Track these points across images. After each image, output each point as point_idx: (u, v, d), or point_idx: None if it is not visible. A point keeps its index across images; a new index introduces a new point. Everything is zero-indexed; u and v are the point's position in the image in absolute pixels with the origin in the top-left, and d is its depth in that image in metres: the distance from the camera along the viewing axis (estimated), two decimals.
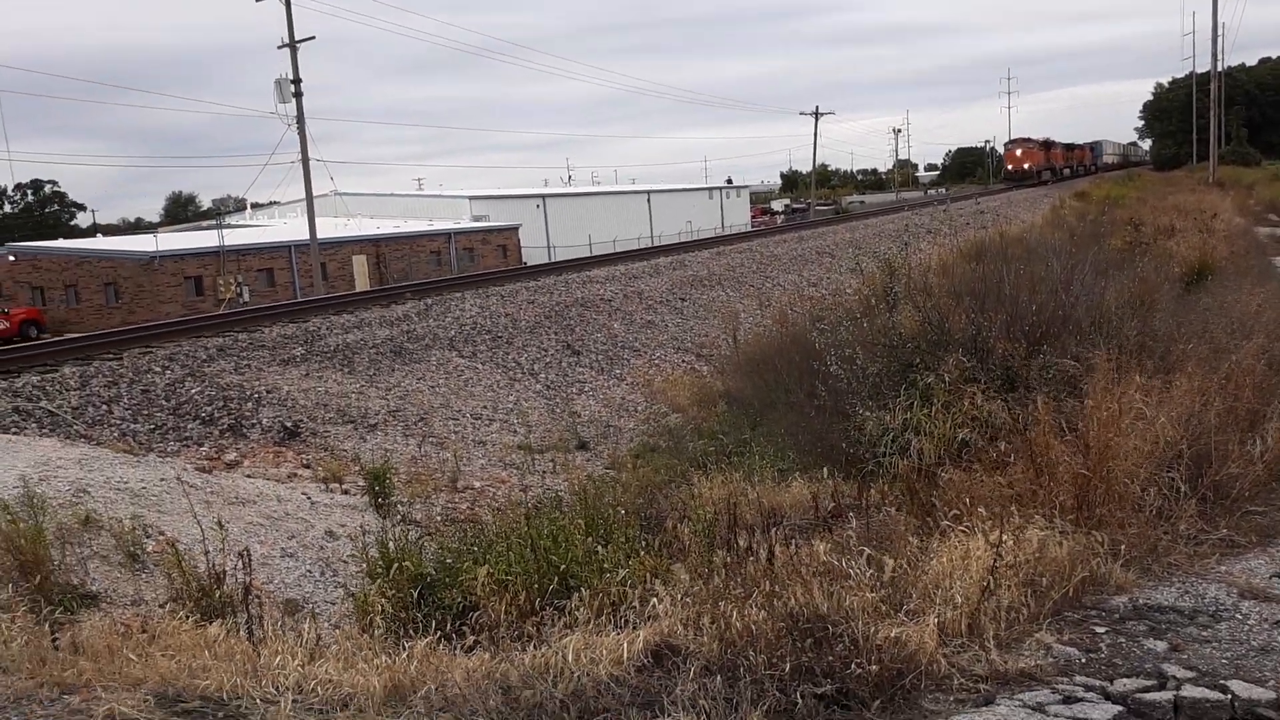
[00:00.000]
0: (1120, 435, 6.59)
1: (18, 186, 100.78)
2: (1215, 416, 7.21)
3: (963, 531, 5.83)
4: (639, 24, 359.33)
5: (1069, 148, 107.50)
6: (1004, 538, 5.42)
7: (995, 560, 5.24)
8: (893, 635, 4.63)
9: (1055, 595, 5.25)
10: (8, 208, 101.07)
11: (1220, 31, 63.64)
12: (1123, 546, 5.59)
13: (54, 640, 4.91)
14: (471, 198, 68.35)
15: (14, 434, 11.30)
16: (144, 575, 7.04)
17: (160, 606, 6.44)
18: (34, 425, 11.97)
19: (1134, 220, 24.88)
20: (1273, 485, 6.77)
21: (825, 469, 9.20)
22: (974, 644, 4.72)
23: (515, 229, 62.45)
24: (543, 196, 71.74)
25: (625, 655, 4.66)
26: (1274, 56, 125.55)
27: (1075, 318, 10.27)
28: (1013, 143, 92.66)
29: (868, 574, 5.44)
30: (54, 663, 4.52)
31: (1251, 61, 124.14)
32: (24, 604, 5.64)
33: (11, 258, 48.22)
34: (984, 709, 4.17)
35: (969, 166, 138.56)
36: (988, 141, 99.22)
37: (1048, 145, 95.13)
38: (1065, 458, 6.62)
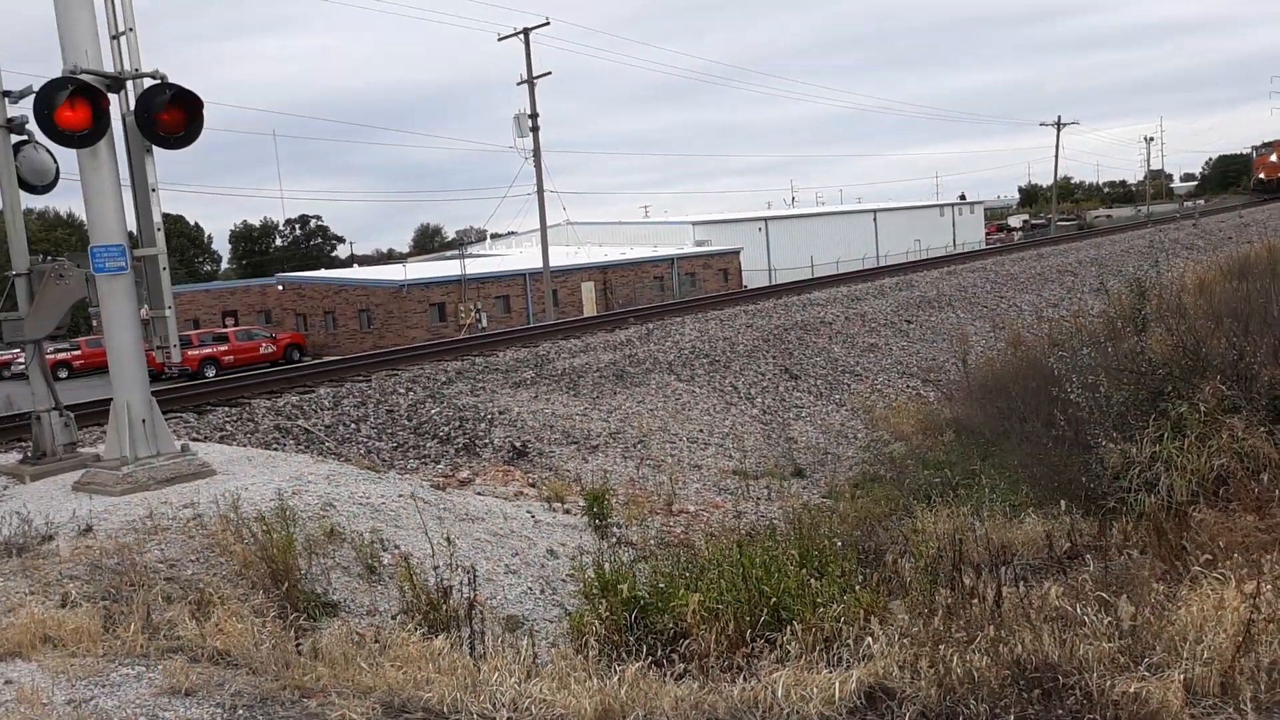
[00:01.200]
0: None
1: (288, 222, 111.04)
2: None
3: (1216, 579, 5.29)
4: (869, 37, 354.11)
5: None
6: (1263, 588, 4.87)
7: (1252, 614, 4.72)
8: (1132, 690, 4.25)
9: None
10: (279, 241, 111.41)
11: None
12: None
13: (297, 645, 5.30)
14: (694, 223, 69.28)
15: (275, 449, 12.38)
16: (379, 587, 7.51)
17: (392, 618, 6.84)
18: (291, 442, 13.07)
19: None
20: None
21: (1062, 505, 8.62)
22: (1227, 706, 4.25)
23: (736, 253, 62.71)
24: (764, 219, 71.76)
25: (837, 695, 4.51)
26: None
27: None
28: (1266, 147, 78.47)
29: (1105, 621, 5.03)
30: (296, 666, 4.87)
31: None
32: (274, 609, 6.13)
33: (280, 287, 53.14)
34: None
35: (1232, 176, 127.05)
36: (1254, 148, 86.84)
37: None
38: None
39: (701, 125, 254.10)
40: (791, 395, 18.74)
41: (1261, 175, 76.56)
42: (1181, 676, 4.34)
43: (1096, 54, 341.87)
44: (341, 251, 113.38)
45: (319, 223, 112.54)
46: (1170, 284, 16.08)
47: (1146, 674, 4.40)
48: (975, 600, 6.02)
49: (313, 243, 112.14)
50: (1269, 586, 4.97)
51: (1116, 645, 4.82)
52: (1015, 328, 22.97)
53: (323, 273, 58.58)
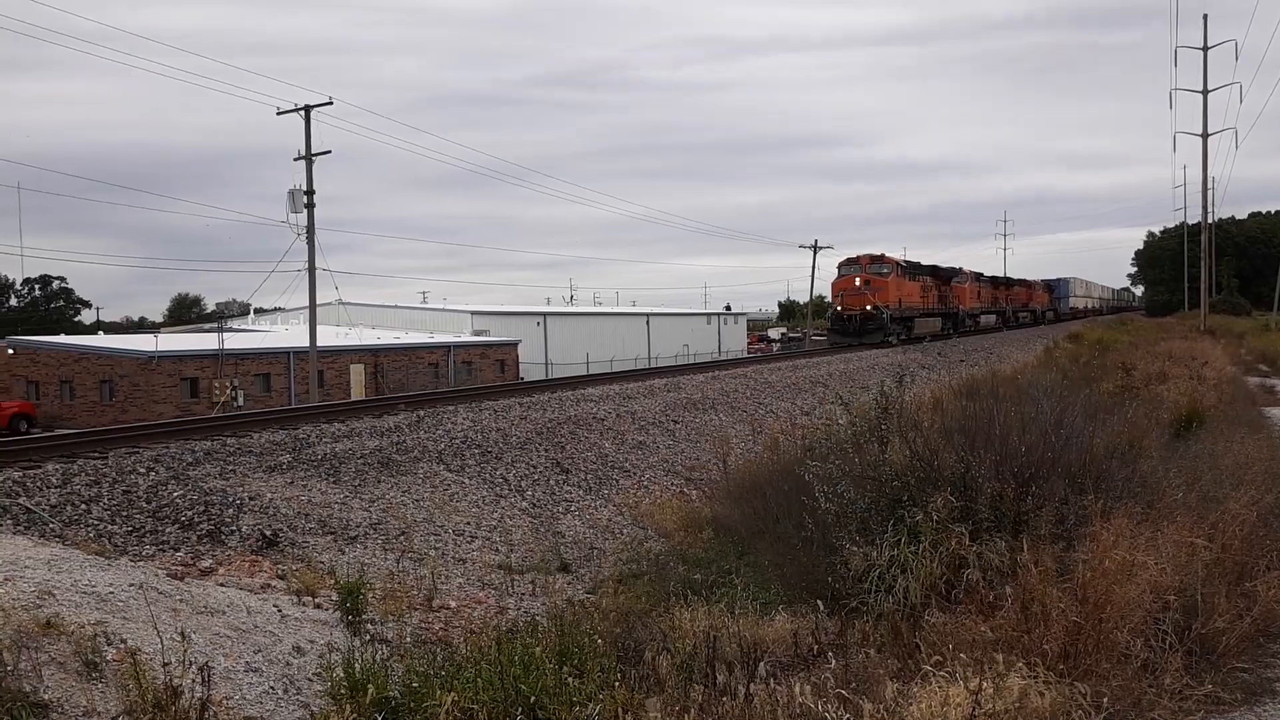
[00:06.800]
0: (1119, 585, 6.49)
1: (26, 281, 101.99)
2: (1203, 567, 7.12)
3: (944, 676, 5.68)
4: (649, 149, 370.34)
5: (1002, 284, 75.35)
6: (984, 685, 5.28)
7: (974, 709, 5.09)
8: None
9: None
10: (14, 301, 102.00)
11: (1210, 185, 64.38)
12: (1105, 699, 5.44)
13: None
14: (473, 312, 69.15)
15: None
16: (100, 686, 6.81)
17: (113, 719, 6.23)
18: (9, 522, 11.78)
19: (1125, 365, 25.07)
20: (1260, 641, 6.64)
21: (809, 604, 9.01)
22: None
23: (514, 345, 62.94)
24: (544, 314, 72.59)
25: None
26: (1264, 211, 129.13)
27: (1065, 461, 10.22)
28: (850, 264, 50.10)
29: (845, 718, 5.28)
30: None
31: (1242, 214, 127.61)
32: None
33: (10, 350, 48.37)
34: None
35: None
36: (839, 265, 56.76)
37: (941, 276, 58.73)
38: (1060, 604, 6.50)
39: (485, 217, 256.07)
40: (562, 489, 18.77)
41: (839, 307, 50.05)
42: None
43: (852, 184, 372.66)
44: (87, 316, 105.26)
45: (62, 284, 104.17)
46: (911, 400, 17.44)
47: None
48: (727, 697, 6.17)
49: (54, 305, 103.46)
50: (990, 684, 5.39)
51: None
52: (772, 433, 24.12)
53: (62, 338, 53.87)
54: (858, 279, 48.60)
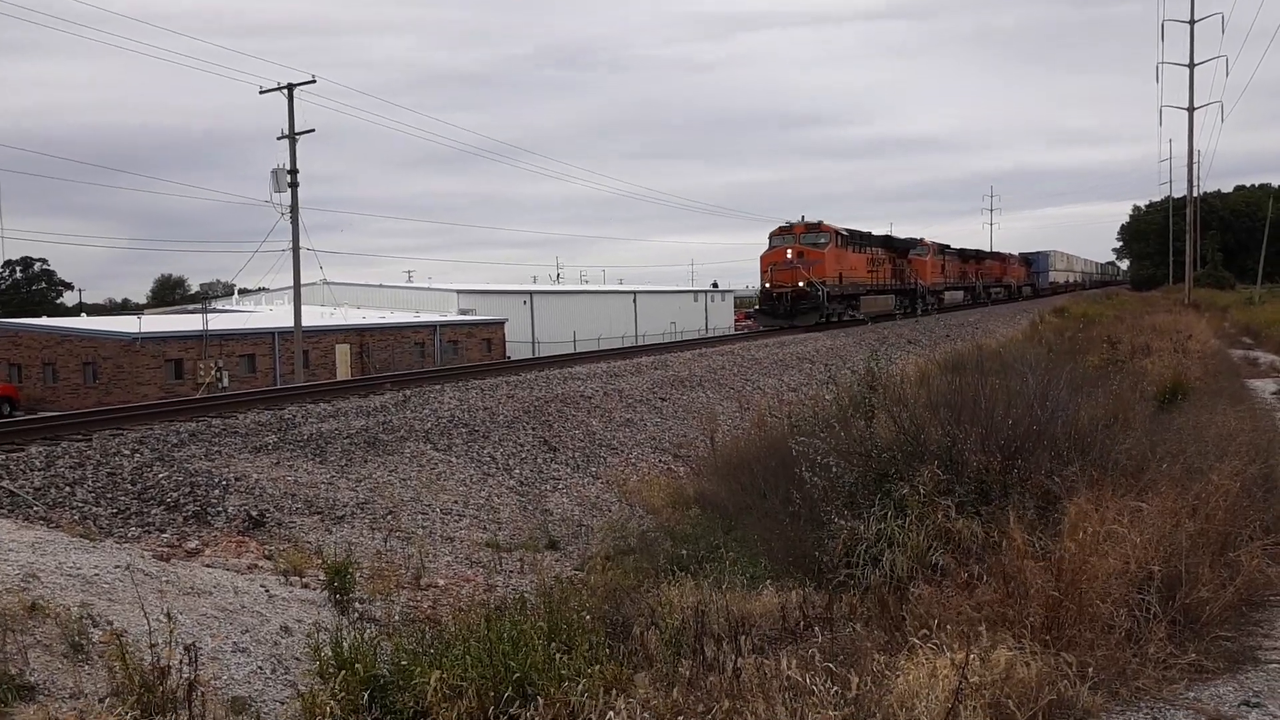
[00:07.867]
0: (1096, 557, 6.53)
1: (7, 263, 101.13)
2: (1187, 538, 7.16)
3: (931, 649, 5.71)
4: (638, 126, 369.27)
5: (971, 257, 68.84)
6: (971, 657, 5.31)
7: (961, 681, 5.12)
8: None
9: (1022, 718, 5.12)
10: None
11: (1196, 159, 64.27)
12: (1090, 669, 5.48)
13: None
14: (459, 291, 68.92)
15: None
16: (86, 667, 6.79)
17: (99, 701, 6.21)
18: None
19: (1110, 338, 25.19)
20: (1243, 610, 6.70)
21: (795, 579, 9.06)
22: None
23: (501, 323, 62.81)
24: (530, 293, 72.42)
25: None
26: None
27: (1050, 434, 10.27)
28: (782, 234, 42.70)
29: (832, 691, 5.31)
30: None
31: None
32: None
33: None
34: None
35: None
36: (770, 235, 46.43)
37: (895, 248, 51.85)
38: (1038, 578, 6.54)
39: (472, 195, 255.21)
40: (550, 467, 18.78)
41: (767, 284, 42.87)
42: None
43: (842, 161, 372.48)
44: (69, 298, 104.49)
45: (44, 266, 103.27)
46: (897, 374, 17.49)
47: None
48: (715, 671, 6.20)
49: (35, 287, 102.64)
50: (976, 657, 5.42)
51: (842, 714, 5.10)
52: (759, 409, 24.15)
53: (43, 320, 53.46)
54: (789, 251, 41.23)
